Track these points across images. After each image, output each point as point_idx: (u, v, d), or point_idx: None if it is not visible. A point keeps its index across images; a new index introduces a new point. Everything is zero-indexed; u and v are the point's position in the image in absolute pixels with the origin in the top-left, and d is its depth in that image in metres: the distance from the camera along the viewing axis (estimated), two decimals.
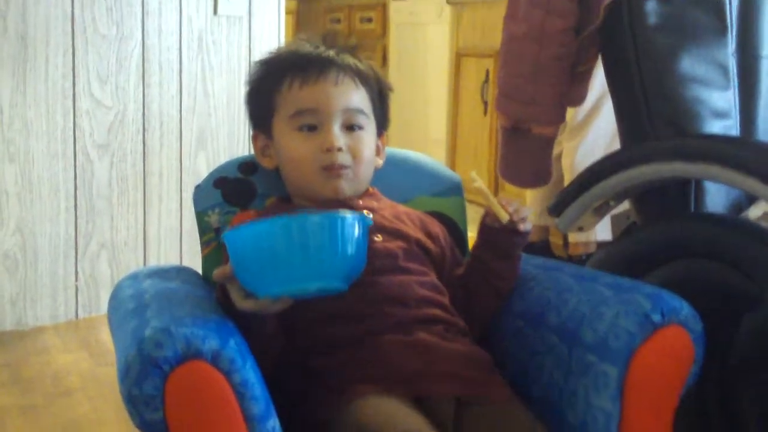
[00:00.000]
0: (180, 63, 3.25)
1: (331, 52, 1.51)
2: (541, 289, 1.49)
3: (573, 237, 3.18)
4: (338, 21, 6.39)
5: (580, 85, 2.01)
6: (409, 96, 5.35)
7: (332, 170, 1.46)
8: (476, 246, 1.54)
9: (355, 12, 6.15)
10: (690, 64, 1.75)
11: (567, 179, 3.05)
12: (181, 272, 1.53)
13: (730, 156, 1.57)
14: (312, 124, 1.47)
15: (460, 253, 1.62)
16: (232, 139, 3.39)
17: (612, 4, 1.76)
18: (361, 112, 1.50)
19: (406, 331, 1.37)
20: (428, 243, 1.52)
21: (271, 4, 3.46)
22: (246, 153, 2.66)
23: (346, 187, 1.48)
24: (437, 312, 1.43)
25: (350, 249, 1.19)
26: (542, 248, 3.35)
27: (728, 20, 1.80)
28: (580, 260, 3.07)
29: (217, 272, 1.25)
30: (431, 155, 1.79)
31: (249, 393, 1.16)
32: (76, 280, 3.10)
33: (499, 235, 1.49)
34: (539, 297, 1.47)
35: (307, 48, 1.53)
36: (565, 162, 3.16)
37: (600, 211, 1.83)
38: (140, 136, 3.18)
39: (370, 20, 5.99)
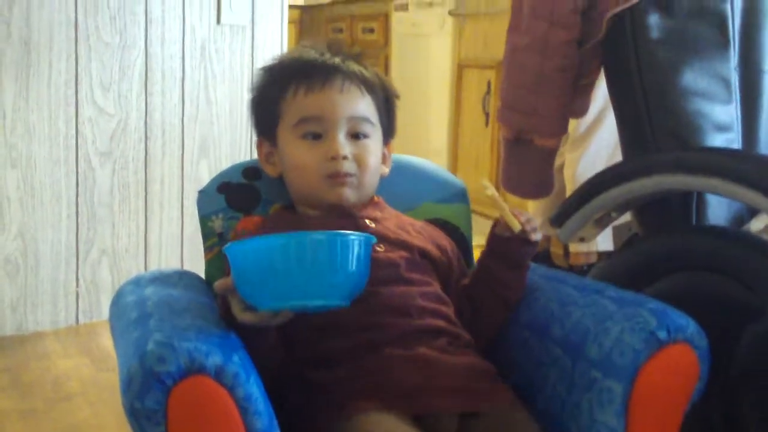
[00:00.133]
0: (183, 71, 3.26)
1: (337, 59, 1.50)
2: (545, 300, 1.48)
3: (574, 247, 3.18)
4: (340, 31, 6.40)
5: (582, 98, 2.01)
6: (411, 107, 5.35)
7: (337, 178, 1.45)
8: (484, 255, 1.53)
9: (357, 22, 6.16)
10: (692, 77, 1.76)
11: (569, 190, 3.05)
12: (184, 277, 1.52)
13: (731, 169, 1.58)
14: (317, 132, 1.47)
15: (466, 264, 1.61)
16: (234, 147, 3.40)
17: (615, 17, 1.77)
18: (366, 120, 1.49)
19: (407, 345, 1.35)
20: (434, 252, 1.51)
21: (274, 13, 3.47)
22: (251, 158, 2.67)
23: (351, 194, 1.47)
24: (440, 323, 1.41)
25: (351, 268, 1.17)
26: (543, 258, 3.35)
27: (731, 35, 1.81)
28: (581, 270, 3.07)
29: (219, 284, 1.24)
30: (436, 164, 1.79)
31: (252, 407, 1.15)
32: (77, 286, 3.11)
33: (510, 244, 1.48)
34: (544, 308, 1.47)
35: (312, 55, 1.52)
36: (567, 173, 3.17)
37: (601, 223, 1.84)
38: (142, 144, 3.19)
39: (372, 30, 6.00)
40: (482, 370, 1.40)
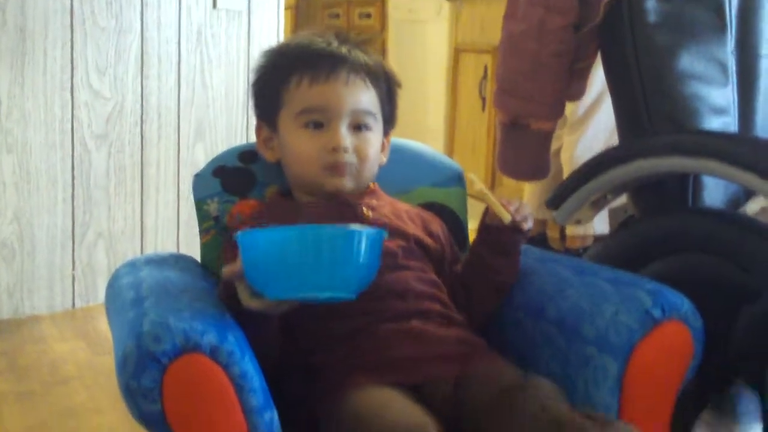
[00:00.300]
0: (179, 55, 3.25)
1: (344, 49, 1.49)
2: (540, 282, 1.49)
3: (570, 230, 3.19)
4: (337, 16, 6.39)
5: (579, 81, 2.01)
6: (408, 92, 5.31)
7: (336, 169, 1.46)
8: (476, 243, 1.54)
9: (354, 7, 6.15)
10: (689, 61, 1.76)
11: (566, 173, 3.06)
12: (180, 260, 1.53)
13: (728, 151, 1.58)
14: (319, 122, 1.46)
15: (459, 249, 1.61)
16: (230, 130, 3.40)
17: (612, 2, 1.77)
18: (369, 113, 1.49)
19: (402, 322, 1.37)
20: (427, 240, 1.52)
21: None
22: (246, 142, 2.67)
23: (349, 183, 1.47)
24: (435, 306, 1.43)
25: (363, 263, 1.18)
26: (539, 241, 3.36)
27: (728, 18, 1.81)
28: (577, 253, 3.08)
29: (227, 269, 1.24)
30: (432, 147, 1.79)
31: (248, 385, 1.16)
32: (73, 269, 3.11)
33: (501, 233, 1.48)
34: (539, 290, 1.47)
35: (318, 44, 1.50)
36: (565, 156, 3.18)
37: (597, 205, 1.84)
38: (138, 128, 3.19)
39: (368, 16, 6.00)
40: (474, 342, 1.42)
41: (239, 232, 1.19)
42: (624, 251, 1.74)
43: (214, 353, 1.13)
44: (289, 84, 1.48)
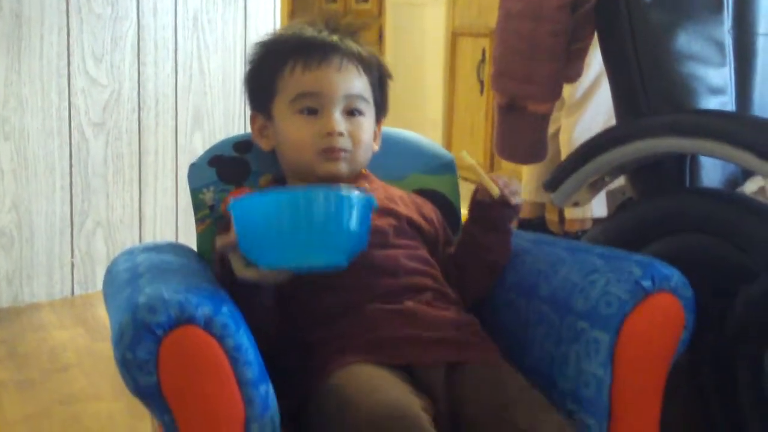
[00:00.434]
0: (175, 42, 3.24)
1: (335, 37, 1.51)
2: (533, 262, 1.50)
3: (569, 213, 3.19)
4: (334, 1, 6.38)
5: (576, 63, 2.01)
6: (406, 76, 5.34)
7: (332, 153, 1.46)
8: (466, 223, 1.56)
9: None
10: (686, 40, 1.75)
11: (564, 155, 3.06)
12: (176, 248, 1.54)
13: (725, 131, 1.58)
14: (313, 108, 1.47)
15: (452, 233, 1.63)
16: (227, 117, 3.39)
17: None
18: (362, 98, 1.50)
19: (394, 300, 1.38)
20: (420, 221, 1.53)
21: None
22: (242, 131, 2.67)
23: (344, 167, 1.48)
24: (426, 281, 1.44)
25: (354, 226, 1.20)
26: (538, 225, 3.36)
27: None
28: (576, 237, 3.08)
29: (221, 240, 1.26)
30: (427, 135, 1.80)
31: (242, 357, 1.17)
32: (72, 257, 3.11)
33: (491, 209, 1.50)
34: (531, 269, 1.49)
35: (309, 31, 1.52)
36: (563, 138, 3.17)
37: (595, 187, 1.84)
38: (135, 115, 3.18)
39: (365, 0, 5.98)
40: (467, 323, 1.43)
41: (232, 201, 1.21)
42: (622, 233, 1.74)
43: (208, 325, 1.15)
44: (282, 71, 1.49)
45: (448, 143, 4.87)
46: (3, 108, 2.88)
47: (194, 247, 1.59)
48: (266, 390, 1.19)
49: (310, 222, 1.18)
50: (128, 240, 3.20)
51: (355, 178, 1.53)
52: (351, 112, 1.49)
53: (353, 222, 1.20)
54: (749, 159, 1.53)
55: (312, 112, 1.47)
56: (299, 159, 1.49)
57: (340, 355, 1.30)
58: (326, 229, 1.18)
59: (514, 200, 1.49)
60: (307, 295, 1.38)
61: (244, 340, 1.18)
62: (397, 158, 1.68)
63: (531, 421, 1.22)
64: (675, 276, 1.33)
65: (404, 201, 1.55)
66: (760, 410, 1.52)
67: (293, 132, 1.48)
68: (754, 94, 1.86)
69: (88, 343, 2.70)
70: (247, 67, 1.57)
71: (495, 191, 1.45)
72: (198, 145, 3.28)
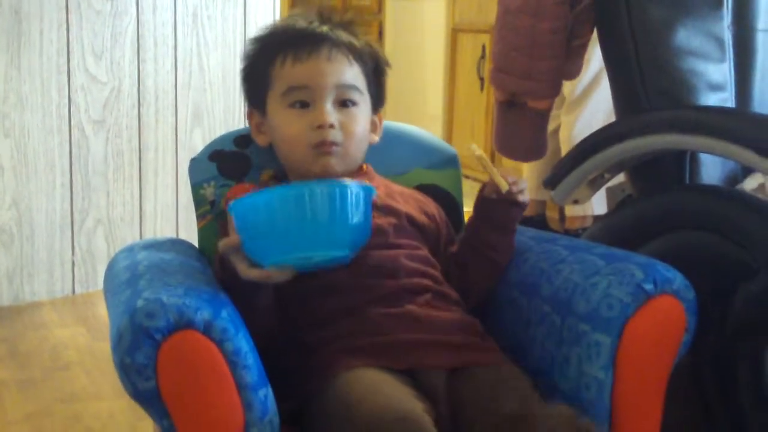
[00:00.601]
0: (175, 38, 3.24)
1: (325, 28, 1.49)
2: (535, 260, 1.49)
3: (570, 211, 3.18)
4: None
5: (575, 59, 2.00)
6: (406, 72, 5.34)
7: (323, 147, 1.45)
8: (472, 219, 1.54)
9: None
10: (685, 36, 1.75)
11: (564, 153, 3.05)
12: (177, 244, 1.53)
13: (725, 128, 1.57)
14: (304, 101, 1.46)
15: (455, 230, 1.62)
16: (227, 113, 3.39)
17: None
18: (354, 88, 1.49)
19: (395, 303, 1.38)
20: (422, 219, 1.52)
21: None
22: (242, 127, 2.66)
23: (336, 164, 1.47)
24: (427, 282, 1.43)
25: (357, 219, 1.21)
26: (539, 222, 3.36)
27: None
28: (577, 234, 3.07)
29: (224, 242, 1.26)
30: (428, 131, 1.79)
31: (241, 362, 1.16)
32: (73, 255, 3.11)
33: (497, 206, 1.49)
34: (533, 267, 1.48)
35: (300, 24, 1.51)
36: (563, 135, 3.17)
37: (595, 184, 1.83)
38: (135, 112, 3.18)
39: None
40: (469, 324, 1.42)
41: (231, 202, 1.22)
42: (622, 230, 1.74)
43: (207, 330, 1.14)
44: (274, 64, 1.49)
45: (448, 140, 4.87)
46: (3, 105, 2.88)
47: (195, 244, 1.59)
48: (265, 394, 1.19)
49: (315, 217, 1.18)
50: (129, 237, 3.20)
51: (353, 175, 1.52)
52: (343, 103, 1.48)
53: (357, 214, 1.21)
54: (749, 156, 1.52)
55: (304, 105, 1.46)
56: (292, 154, 1.49)
57: (342, 358, 1.29)
58: (331, 222, 1.19)
59: (521, 198, 1.48)
60: (308, 296, 1.37)
61: (243, 344, 1.18)
62: (399, 153, 1.68)
63: (530, 425, 1.20)
64: (677, 279, 1.32)
65: (405, 198, 1.54)
66: (760, 410, 1.52)
67: (285, 127, 1.48)
68: (753, 91, 1.86)
69: (89, 342, 2.70)
70: (242, 63, 1.57)
71: (504, 186, 1.44)
72: (198, 142, 3.28)
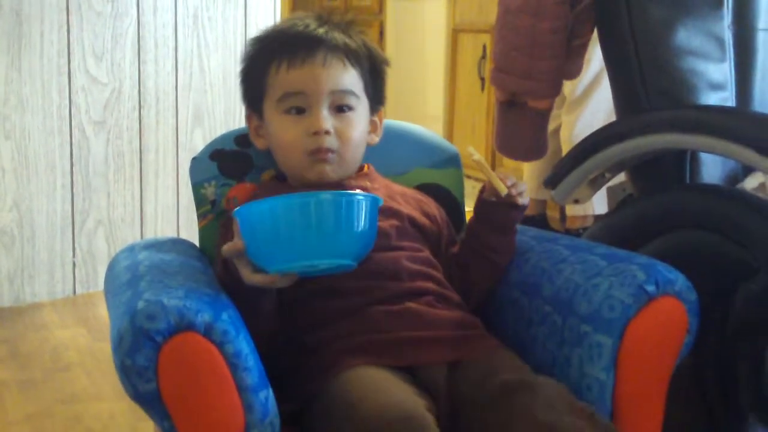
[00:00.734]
0: (175, 40, 3.24)
1: (321, 31, 1.49)
2: (536, 260, 1.49)
3: (570, 210, 3.18)
4: None
5: (575, 59, 2.00)
6: (406, 73, 5.34)
7: (318, 154, 1.45)
8: (472, 221, 1.54)
9: None
10: (685, 36, 1.75)
11: (564, 152, 3.05)
12: (177, 244, 1.53)
13: (725, 127, 1.57)
14: (300, 107, 1.46)
15: (456, 229, 1.62)
16: (228, 115, 3.39)
17: None
18: (350, 92, 1.48)
19: (395, 303, 1.38)
20: (423, 220, 1.52)
21: None
22: (243, 126, 2.66)
23: (331, 171, 1.47)
24: (429, 285, 1.43)
25: (362, 228, 1.21)
26: (539, 222, 3.36)
27: None
28: (577, 234, 3.07)
29: (227, 247, 1.25)
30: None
31: (242, 364, 1.16)
32: (74, 256, 3.11)
33: (497, 209, 1.49)
34: (534, 267, 1.48)
35: (297, 27, 1.50)
36: (564, 135, 3.17)
37: (595, 183, 1.83)
38: (136, 113, 3.18)
39: None
40: (468, 322, 1.42)
41: (237, 208, 1.21)
42: (622, 230, 1.74)
43: (208, 332, 1.14)
44: (269, 70, 1.49)
45: (449, 140, 4.85)
46: (3, 106, 2.88)
47: (196, 244, 1.59)
48: (266, 396, 1.19)
49: (321, 226, 1.18)
50: (129, 238, 3.20)
51: (354, 176, 1.52)
52: (339, 109, 1.48)
53: (362, 224, 1.21)
54: (749, 155, 1.52)
55: (300, 111, 1.46)
56: (288, 161, 1.49)
57: (342, 357, 1.29)
58: (337, 232, 1.19)
59: (521, 200, 1.47)
60: (309, 299, 1.37)
61: (243, 346, 1.18)
62: (400, 152, 1.67)
63: (532, 413, 1.20)
64: (679, 280, 1.32)
65: (406, 199, 1.54)
66: (760, 410, 1.52)
67: (281, 133, 1.48)
68: (754, 90, 1.86)
69: (90, 343, 2.70)
70: (240, 66, 1.57)
71: (503, 189, 1.43)
72: (199, 143, 3.28)
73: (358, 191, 1.26)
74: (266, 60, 1.49)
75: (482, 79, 4.70)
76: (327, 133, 1.44)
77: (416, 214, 1.52)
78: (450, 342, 1.36)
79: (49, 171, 3.01)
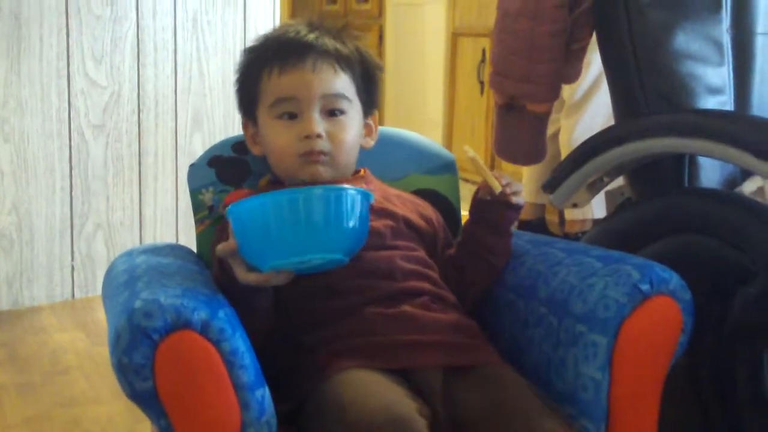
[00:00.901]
0: (175, 43, 3.24)
1: (311, 36, 1.50)
2: (532, 263, 1.49)
3: (569, 214, 3.18)
4: (334, 2, 6.38)
5: (574, 63, 2.00)
6: (406, 76, 5.34)
7: (310, 156, 1.46)
8: (468, 222, 1.55)
9: None
10: (684, 40, 1.75)
11: (563, 156, 3.05)
12: (175, 249, 1.54)
13: (724, 131, 1.57)
14: (292, 112, 1.47)
15: (452, 235, 1.62)
16: (227, 118, 3.39)
17: None
18: (342, 96, 1.49)
19: (391, 304, 1.38)
20: (419, 222, 1.52)
21: None
22: (240, 133, 2.66)
23: (324, 172, 1.47)
24: (425, 285, 1.44)
25: (353, 222, 1.21)
26: (538, 226, 3.36)
27: None
28: (576, 238, 3.07)
29: (221, 247, 1.26)
30: (428, 135, 1.79)
31: (238, 362, 1.17)
32: (72, 259, 3.11)
33: (492, 208, 1.50)
34: (530, 270, 1.48)
35: (288, 34, 1.51)
36: (563, 139, 3.17)
37: (594, 187, 1.83)
38: (135, 116, 3.18)
39: (366, 0, 5.98)
40: (465, 325, 1.42)
41: (229, 206, 1.22)
42: (621, 234, 1.74)
43: (204, 330, 1.15)
44: (261, 76, 1.50)
45: (448, 144, 4.87)
46: (2, 109, 2.88)
47: (194, 249, 1.59)
48: (263, 394, 1.19)
49: (310, 221, 1.19)
50: (128, 242, 3.20)
51: (349, 179, 1.53)
52: (331, 113, 1.48)
53: (353, 218, 1.21)
54: (748, 159, 1.52)
55: (292, 116, 1.47)
56: (282, 164, 1.50)
57: (337, 359, 1.30)
58: (327, 226, 1.19)
59: (516, 199, 1.48)
60: (304, 298, 1.37)
61: (240, 344, 1.18)
62: (396, 158, 1.68)
63: (529, 423, 1.21)
64: (673, 279, 1.33)
65: (402, 201, 1.55)
66: (758, 411, 1.52)
67: (274, 138, 1.49)
68: (752, 94, 1.86)
69: (89, 346, 2.70)
70: (235, 75, 1.58)
71: (497, 186, 1.44)
72: (198, 147, 3.28)
73: (347, 186, 1.27)
74: (259, 67, 1.51)
75: (482, 83, 4.70)
76: (319, 136, 1.45)
77: (412, 216, 1.52)
78: (445, 347, 1.35)
79: (48, 174, 3.01)
